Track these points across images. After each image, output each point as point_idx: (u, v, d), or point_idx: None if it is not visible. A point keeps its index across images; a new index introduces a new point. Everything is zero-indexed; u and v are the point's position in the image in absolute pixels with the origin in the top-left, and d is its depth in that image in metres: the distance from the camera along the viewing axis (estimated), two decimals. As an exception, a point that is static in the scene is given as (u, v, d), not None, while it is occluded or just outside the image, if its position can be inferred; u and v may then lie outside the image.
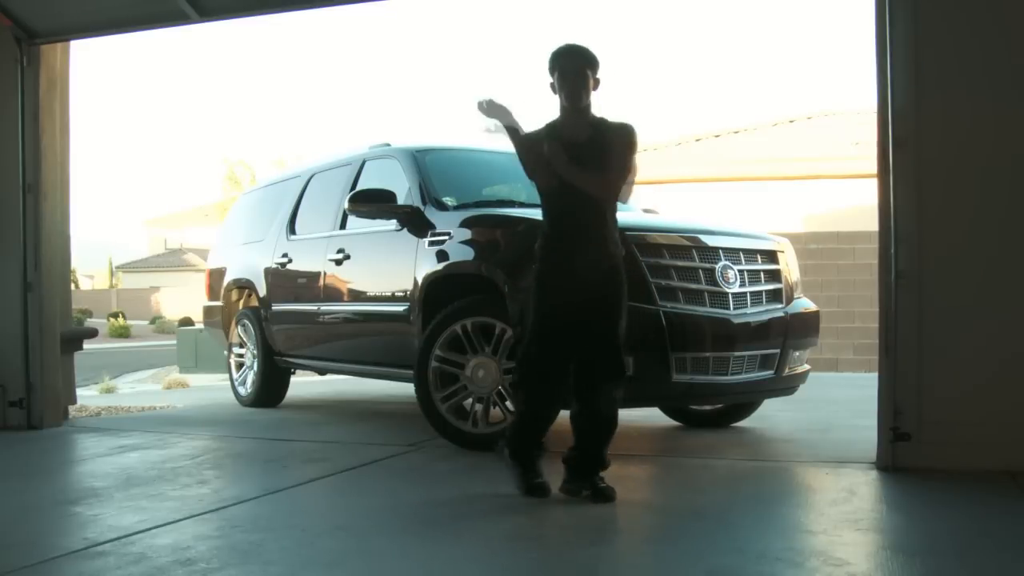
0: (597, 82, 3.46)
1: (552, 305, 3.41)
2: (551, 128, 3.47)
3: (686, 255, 4.42)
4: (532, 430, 3.51)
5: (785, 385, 4.84)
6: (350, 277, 5.69)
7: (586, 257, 3.40)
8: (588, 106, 3.45)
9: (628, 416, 5.68)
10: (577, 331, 3.39)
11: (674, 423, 5.50)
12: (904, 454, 3.82)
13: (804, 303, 4.97)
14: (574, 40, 3.45)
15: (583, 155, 3.38)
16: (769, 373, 4.60)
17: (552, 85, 3.45)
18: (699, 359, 4.32)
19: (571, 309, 3.38)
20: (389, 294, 5.27)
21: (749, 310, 4.52)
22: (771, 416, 5.47)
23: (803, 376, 4.98)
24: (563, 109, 3.46)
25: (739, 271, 4.53)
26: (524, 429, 3.51)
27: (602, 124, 3.47)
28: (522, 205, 4.91)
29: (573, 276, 3.39)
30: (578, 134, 3.42)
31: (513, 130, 3.43)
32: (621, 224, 4.50)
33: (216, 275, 7.38)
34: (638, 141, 3.50)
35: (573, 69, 3.40)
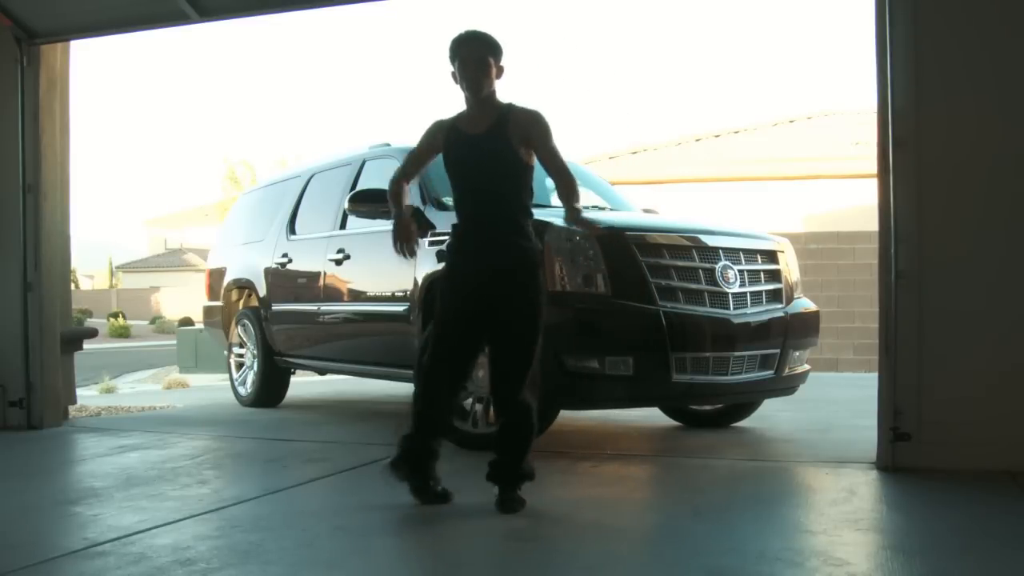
0: (501, 70, 3.32)
1: (449, 304, 3.33)
2: (455, 118, 3.39)
3: (686, 255, 4.42)
4: (425, 423, 3.33)
5: (785, 385, 4.84)
6: (350, 277, 5.69)
7: (485, 255, 3.28)
8: (491, 95, 3.32)
9: (628, 416, 5.70)
10: (481, 330, 3.29)
11: (674, 423, 5.50)
12: (904, 454, 3.82)
13: (804, 303, 4.97)
14: (477, 27, 3.35)
15: (478, 147, 3.29)
16: (769, 373, 4.61)
17: (453, 74, 3.32)
18: (699, 359, 4.33)
19: (469, 309, 3.27)
20: (389, 294, 5.27)
21: (749, 310, 4.52)
22: (771, 416, 5.47)
23: (803, 376, 4.98)
24: (466, 99, 3.34)
25: (739, 271, 4.53)
26: (417, 419, 3.35)
27: (506, 113, 3.31)
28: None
29: (471, 274, 3.28)
30: (477, 125, 3.31)
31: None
32: (622, 224, 4.54)
33: (216, 275, 7.38)
34: (550, 126, 3.34)
35: (473, 57, 3.27)
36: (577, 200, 3.33)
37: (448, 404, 3.42)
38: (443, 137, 3.39)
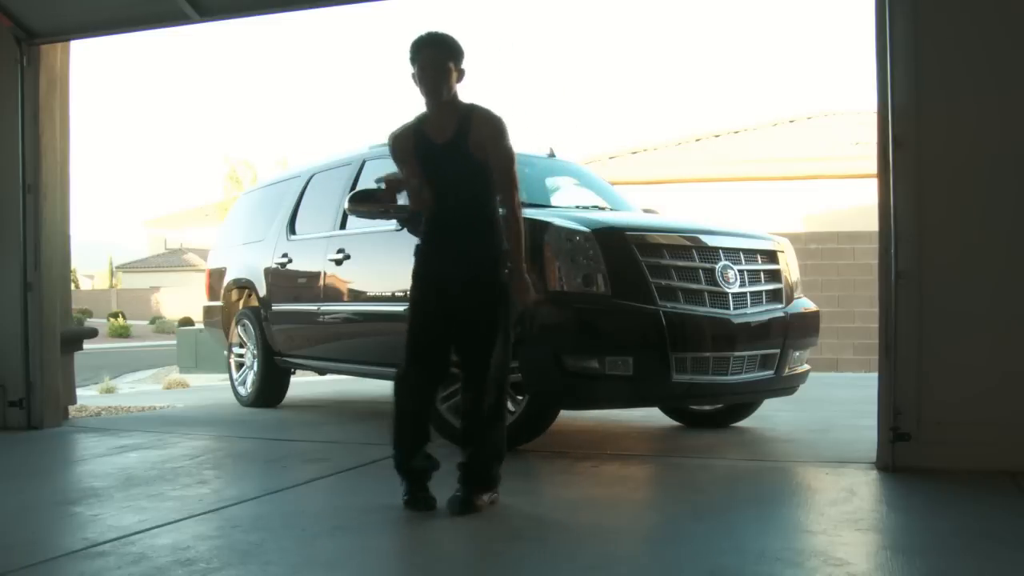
0: (461, 73, 3.28)
1: (418, 304, 3.32)
2: (418, 122, 3.34)
3: (686, 255, 4.42)
4: (408, 422, 3.38)
5: (785, 385, 4.84)
6: (350, 277, 5.69)
7: (452, 260, 3.27)
8: (452, 99, 3.27)
9: (628, 416, 5.70)
10: (447, 332, 3.30)
11: (674, 423, 5.50)
12: (904, 454, 3.82)
13: (804, 303, 4.97)
14: (438, 29, 3.29)
15: (445, 156, 3.26)
16: (769, 373, 4.60)
17: (413, 76, 3.27)
18: (699, 359, 4.32)
19: (435, 312, 3.28)
20: (389, 294, 5.27)
21: (749, 310, 4.52)
22: (771, 416, 5.47)
23: (803, 376, 4.98)
24: (426, 103, 3.31)
25: (739, 271, 4.53)
26: (399, 418, 3.39)
27: (469, 116, 3.27)
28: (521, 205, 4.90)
29: (438, 279, 3.28)
30: (441, 132, 3.27)
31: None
32: (622, 224, 4.54)
33: (216, 275, 7.39)
34: (506, 129, 3.29)
35: (432, 61, 3.23)
36: (522, 250, 3.30)
37: (428, 405, 3.44)
38: (411, 143, 3.33)
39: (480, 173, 3.29)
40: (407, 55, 3.29)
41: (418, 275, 3.36)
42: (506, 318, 3.29)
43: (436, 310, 3.30)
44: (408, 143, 3.35)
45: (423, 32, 3.29)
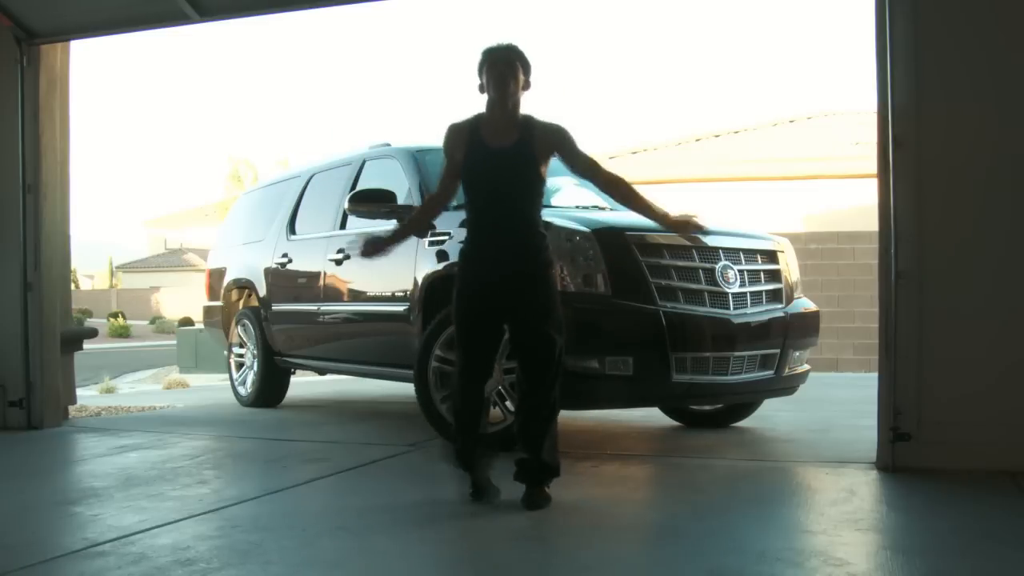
0: (528, 83, 3.34)
1: (466, 305, 3.34)
2: (474, 123, 3.34)
3: (686, 255, 4.42)
4: (464, 422, 3.41)
5: (785, 385, 4.84)
6: (350, 277, 5.69)
7: (506, 260, 3.30)
8: (517, 104, 3.32)
9: (628, 416, 5.70)
10: (501, 327, 3.36)
11: (674, 423, 5.50)
12: (904, 454, 3.82)
13: (804, 303, 4.97)
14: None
15: (504, 161, 3.27)
16: (769, 373, 4.60)
17: (481, 86, 3.32)
18: (699, 359, 4.32)
19: (490, 310, 3.31)
20: (389, 294, 5.27)
21: (749, 310, 4.52)
22: (771, 416, 5.47)
23: (803, 376, 4.98)
24: (491, 104, 3.32)
25: (739, 271, 4.53)
26: (457, 420, 3.43)
27: (529, 126, 3.33)
28: None
29: (493, 280, 3.29)
30: (499, 137, 3.29)
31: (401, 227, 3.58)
32: (622, 224, 4.53)
33: (216, 275, 7.39)
34: (572, 136, 3.39)
35: (504, 61, 3.28)
36: (653, 204, 3.51)
37: (481, 401, 3.47)
38: (463, 142, 3.33)
39: (536, 182, 3.34)
40: (476, 65, 3.33)
41: (465, 278, 3.37)
42: (558, 310, 3.33)
43: (487, 310, 3.32)
44: (461, 142, 3.34)
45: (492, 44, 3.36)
